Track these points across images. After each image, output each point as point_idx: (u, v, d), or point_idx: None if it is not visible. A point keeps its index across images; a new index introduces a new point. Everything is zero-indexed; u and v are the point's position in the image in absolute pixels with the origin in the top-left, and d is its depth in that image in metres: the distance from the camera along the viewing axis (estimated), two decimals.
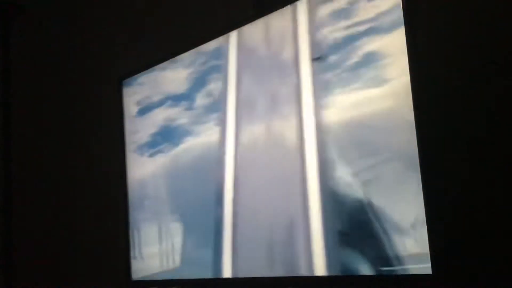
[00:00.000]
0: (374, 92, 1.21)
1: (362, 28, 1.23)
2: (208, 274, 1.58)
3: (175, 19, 2.02)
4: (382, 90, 1.19)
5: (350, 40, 1.26)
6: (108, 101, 2.04)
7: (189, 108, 1.72)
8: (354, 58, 1.25)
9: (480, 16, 1.26)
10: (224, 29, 1.56)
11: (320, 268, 1.30)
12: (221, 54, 1.61)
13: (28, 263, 2.46)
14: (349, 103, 1.26)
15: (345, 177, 1.26)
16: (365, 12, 1.23)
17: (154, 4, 2.11)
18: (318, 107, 1.32)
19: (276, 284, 1.38)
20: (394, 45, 1.17)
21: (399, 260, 1.16)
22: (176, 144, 1.75)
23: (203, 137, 1.66)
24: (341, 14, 1.28)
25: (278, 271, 1.39)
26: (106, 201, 2.22)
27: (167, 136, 1.77)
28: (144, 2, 2.16)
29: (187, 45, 1.67)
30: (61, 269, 2.41)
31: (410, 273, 1.11)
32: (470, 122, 1.26)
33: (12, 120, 2.44)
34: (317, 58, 1.34)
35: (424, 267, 1.09)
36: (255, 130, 1.48)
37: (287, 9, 1.42)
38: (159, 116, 1.80)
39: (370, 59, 1.22)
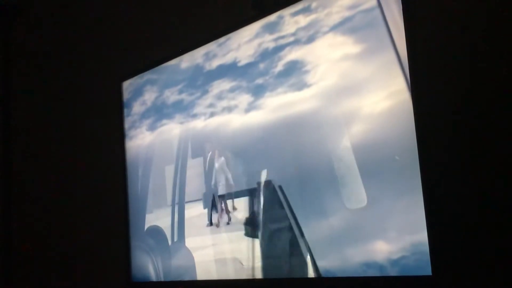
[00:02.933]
0: (297, 95, 1.39)
1: (286, 40, 1.43)
2: None
3: (174, 21, 2.02)
4: (304, 93, 1.37)
5: (276, 50, 1.45)
6: (108, 101, 2.07)
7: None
8: (280, 66, 1.43)
9: (478, 15, 1.27)
10: (223, 31, 1.61)
11: None
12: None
13: (28, 264, 2.42)
14: (276, 105, 1.44)
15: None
16: (288, 27, 1.43)
17: (154, 6, 2.11)
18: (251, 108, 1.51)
19: (275, 286, 1.45)
20: (313, 54, 1.36)
21: None
22: None
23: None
24: (269, 27, 1.48)
25: None
26: (106, 202, 2.21)
27: None
28: (144, 4, 2.16)
29: (186, 46, 1.72)
30: (61, 270, 2.38)
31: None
32: (470, 122, 1.25)
33: (12, 120, 2.43)
34: None
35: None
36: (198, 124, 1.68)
37: None
38: None
39: (293, 66, 1.41)
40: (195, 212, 1.67)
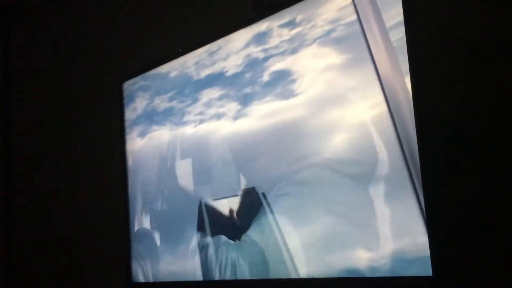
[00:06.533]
0: (284, 103, 1.42)
1: (273, 51, 1.47)
2: None
3: (175, 22, 2.04)
4: (291, 102, 1.41)
5: (264, 60, 1.49)
6: (109, 102, 2.08)
7: None
8: (266, 76, 1.48)
9: (478, 17, 1.29)
10: (223, 32, 1.63)
11: None
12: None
13: (28, 265, 2.42)
14: (263, 113, 1.47)
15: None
16: (275, 39, 1.47)
17: (154, 7, 2.13)
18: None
19: (273, 286, 1.45)
20: (299, 65, 1.40)
21: None
22: None
23: None
24: (258, 38, 1.51)
25: None
26: (106, 203, 2.22)
27: None
28: (144, 5, 2.18)
29: (187, 47, 1.74)
30: (61, 271, 2.39)
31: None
32: (470, 123, 1.27)
33: (13, 121, 2.41)
34: None
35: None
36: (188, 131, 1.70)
37: None
38: None
39: (280, 76, 1.44)
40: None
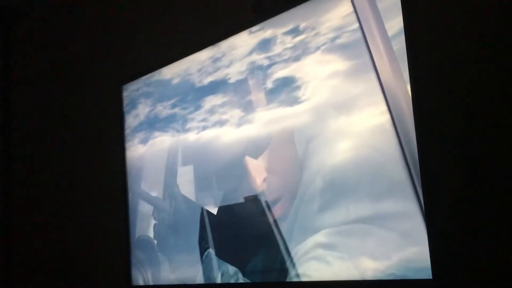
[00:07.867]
0: (289, 110, 1.42)
1: (277, 58, 1.47)
2: None
3: (175, 24, 2.05)
4: (296, 109, 1.40)
5: (268, 67, 1.48)
6: (108, 105, 2.08)
7: None
8: (270, 83, 1.47)
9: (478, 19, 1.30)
10: (223, 35, 1.62)
11: None
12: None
13: (28, 269, 2.44)
14: (267, 120, 1.47)
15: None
16: (278, 46, 1.47)
17: (154, 10, 2.14)
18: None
19: None
20: (303, 72, 1.40)
21: None
22: None
23: None
24: (261, 45, 1.51)
25: None
26: (106, 205, 2.23)
27: None
28: (144, 8, 2.19)
29: (187, 50, 1.74)
30: (61, 274, 2.40)
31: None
32: (470, 129, 1.28)
33: (13, 123, 2.44)
34: None
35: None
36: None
37: None
38: None
39: (283, 83, 1.44)
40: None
